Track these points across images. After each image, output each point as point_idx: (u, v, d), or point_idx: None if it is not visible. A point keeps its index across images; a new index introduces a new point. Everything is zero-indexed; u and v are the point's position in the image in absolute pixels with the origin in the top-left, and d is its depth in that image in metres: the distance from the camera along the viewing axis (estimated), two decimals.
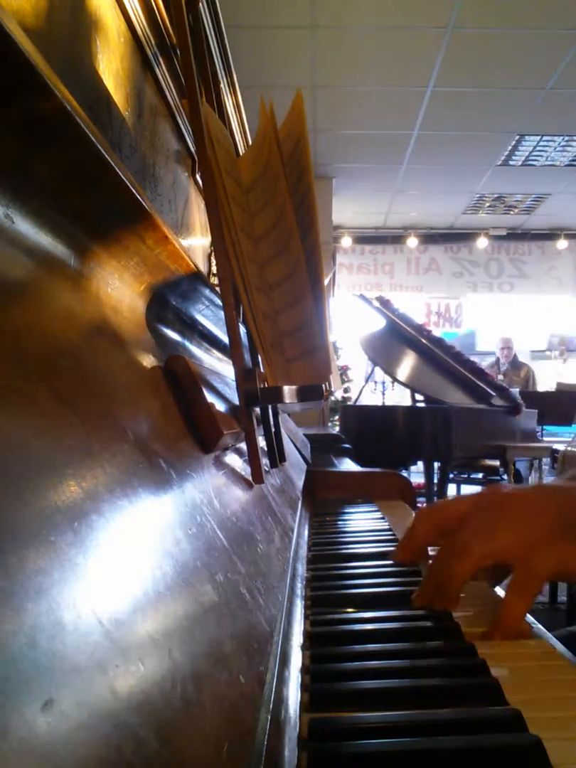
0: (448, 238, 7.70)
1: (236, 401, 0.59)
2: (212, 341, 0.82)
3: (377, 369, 4.20)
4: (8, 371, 0.25)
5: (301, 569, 0.71)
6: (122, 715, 0.19)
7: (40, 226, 0.35)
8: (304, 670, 0.45)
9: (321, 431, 3.03)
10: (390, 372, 3.98)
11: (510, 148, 5.38)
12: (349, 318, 6.53)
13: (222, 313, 0.64)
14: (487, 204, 6.82)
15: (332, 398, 5.76)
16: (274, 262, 0.69)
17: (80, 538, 0.22)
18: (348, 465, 1.63)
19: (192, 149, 1.04)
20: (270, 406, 0.74)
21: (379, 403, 4.69)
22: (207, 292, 0.69)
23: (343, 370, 6.41)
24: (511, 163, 5.70)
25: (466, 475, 5.08)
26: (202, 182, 0.63)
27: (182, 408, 0.47)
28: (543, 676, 0.46)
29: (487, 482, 4.63)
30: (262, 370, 0.66)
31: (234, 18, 3.43)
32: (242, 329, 0.68)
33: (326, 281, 2.46)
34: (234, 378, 0.58)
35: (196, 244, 1.15)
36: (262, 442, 0.69)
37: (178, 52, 0.70)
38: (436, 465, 4.04)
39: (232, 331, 0.58)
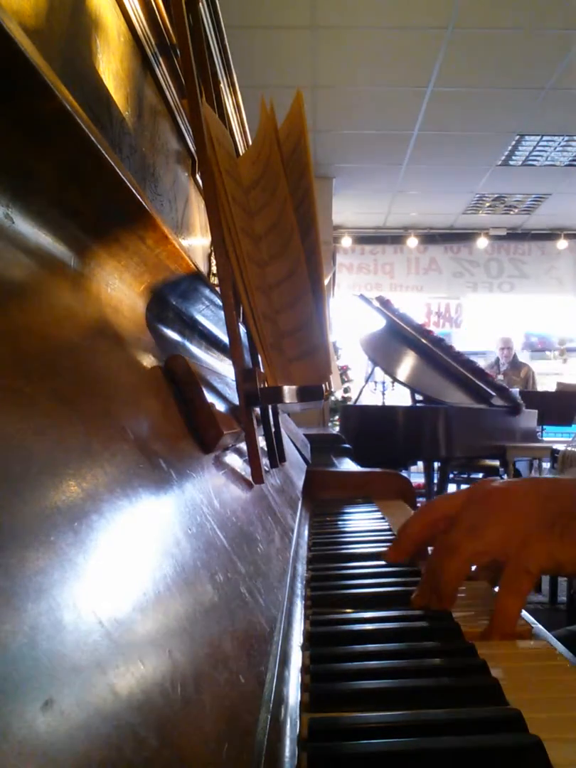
0: (448, 238, 7.70)
1: (236, 401, 0.59)
2: (212, 341, 0.82)
3: (377, 369, 4.21)
4: (8, 371, 0.25)
5: (301, 569, 0.71)
6: (122, 715, 0.19)
7: (40, 226, 0.35)
8: (304, 670, 0.45)
9: (321, 431, 3.03)
10: (390, 372, 3.99)
11: (510, 148, 5.38)
12: (349, 318, 6.53)
13: (222, 313, 0.64)
14: (487, 204, 6.82)
15: (332, 398, 5.77)
16: (274, 262, 0.69)
17: (80, 538, 0.22)
18: (348, 465, 1.63)
19: (192, 149, 1.04)
20: (270, 406, 0.74)
21: (379, 403, 4.70)
22: (207, 292, 0.69)
23: (343, 370, 6.41)
24: (511, 163, 5.70)
25: (466, 475, 5.08)
26: (202, 182, 0.63)
27: (182, 408, 0.47)
28: (543, 676, 0.46)
29: None
30: (262, 370, 0.66)
31: (234, 18, 3.43)
32: (242, 329, 0.68)
33: (326, 281, 2.46)
34: (234, 378, 0.58)
35: (196, 244, 1.15)
36: (262, 442, 0.69)
37: (178, 52, 0.70)
38: (436, 465, 4.05)
39: (232, 331, 0.58)
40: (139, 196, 0.42)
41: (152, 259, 0.49)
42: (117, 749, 0.18)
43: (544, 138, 5.21)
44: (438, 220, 7.39)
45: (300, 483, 1.03)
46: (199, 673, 0.25)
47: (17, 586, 0.18)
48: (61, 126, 0.33)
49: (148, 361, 0.45)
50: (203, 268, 1.20)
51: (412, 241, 7.55)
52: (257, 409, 0.71)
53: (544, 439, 5.25)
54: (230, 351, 0.58)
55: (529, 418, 4.39)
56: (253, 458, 0.57)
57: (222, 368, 0.83)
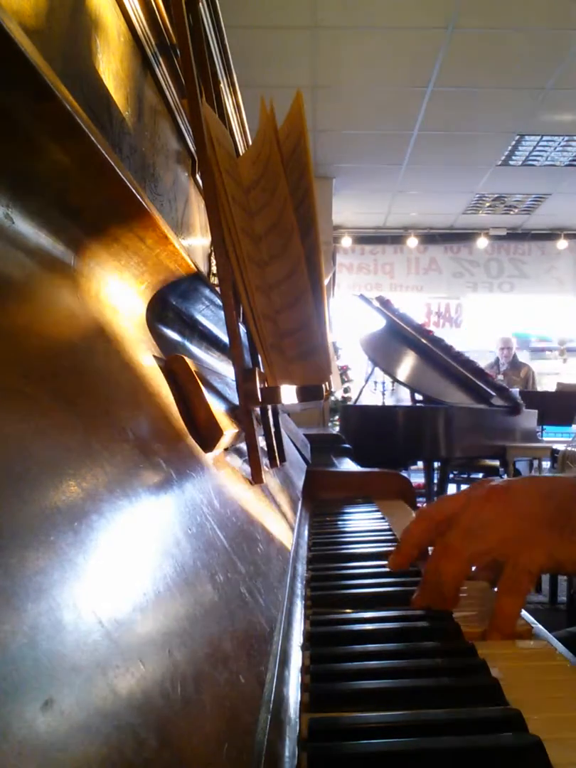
0: (448, 238, 7.69)
1: (236, 401, 0.59)
2: (212, 341, 0.82)
3: (377, 369, 4.20)
4: (8, 371, 0.25)
5: (301, 569, 0.71)
6: (122, 715, 0.19)
7: (40, 226, 0.35)
8: (304, 670, 0.45)
9: (321, 431, 3.03)
10: (390, 372, 3.99)
11: (510, 148, 5.38)
12: (349, 318, 6.53)
13: (222, 313, 0.64)
14: (487, 204, 6.82)
15: (332, 398, 5.76)
16: (274, 262, 0.69)
17: (80, 538, 0.22)
18: (348, 465, 1.63)
19: (192, 149, 1.04)
20: (270, 406, 0.74)
21: (379, 403, 4.70)
22: (207, 292, 0.69)
23: (343, 370, 6.40)
24: (511, 163, 5.70)
25: (466, 475, 5.08)
26: (202, 182, 0.63)
27: (182, 408, 0.47)
28: (543, 676, 0.46)
29: None
30: (262, 370, 0.66)
31: (234, 18, 3.43)
32: (242, 329, 0.68)
33: (326, 281, 2.46)
34: (234, 378, 0.58)
35: (196, 244, 1.15)
36: (262, 442, 0.69)
37: (178, 52, 0.70)
38: (436, 465, 4.04)
39: (232, 331, 0.58)
40: (139, 196, 0.42)
41: (152, 259, 0.49)
42: (117, 749, 0.18)
43: (544, 138, 5.21)
44: (438, 220, 7.39)
45: (300, 483, 1.03)
46: (199, 673, 0.25)
47: (17, 586, 0.18)
48: (60, 126, 0.33)
49: (148, 361, 0.45)
50: (203, 268, 1.20)
51: (412, 241, 7.55)
52: (257, 409, 0.71)
53: (544, 439, 5.25)
54: (230, 351, 0.58)
55: (529, 418, 4.40)
56: (253, 458, 0.57)
57: (222, 368, 0.83)
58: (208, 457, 0.47)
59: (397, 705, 0.40)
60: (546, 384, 6.80)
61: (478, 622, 0.55)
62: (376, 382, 4.72)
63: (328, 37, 3.85)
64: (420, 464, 4.58)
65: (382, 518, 1.02)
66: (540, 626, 0.56)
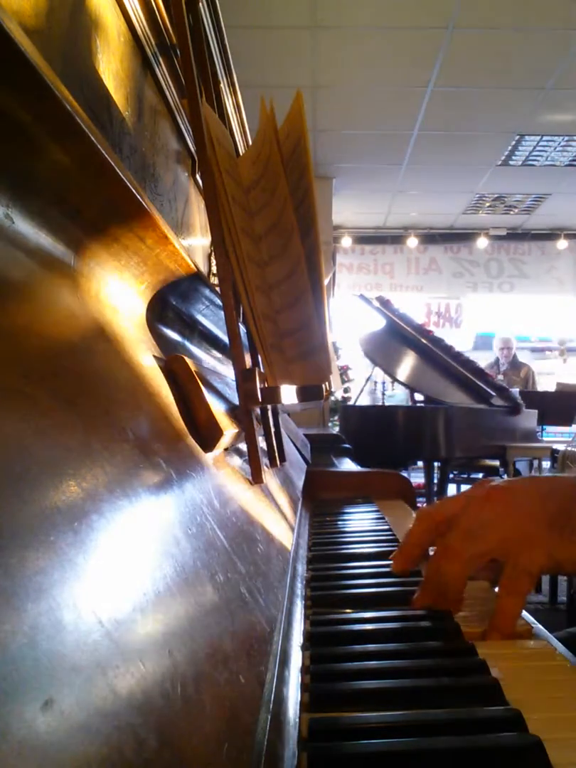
0: (448, 238, 7.69)
1: (236, 401, 0.59)
2: (212, 341, 0.82)
3: (377, 369, 4.20)
4: (8, 371, 0.25)
5: (301, 569, 0.71)
6: (122, 715, 0.19)
7: (40, 226, 0.35)
8: (304, 670, 0.45)
9: (321, 431, 3.04)
10: (390, 372, 3.98)
11: (510, 148, 5.38)
12: (349, 318, 6.53)
13: (222, 313, 0.64)
14: (487, 204, 6.82)
15: (332, 398, 5.76)
16: (274, 262, 0.69)
17: (80, 538, 0.22)
18: (348, 465, 1.63)
19: (192, 149, 1.04)
20: (270, 406, 0.74)
21: (379, 403, 4.69)
22: (207, 292, 0.69)
23: (343, 370, 6.40)
24: (511, 163, 5.70)
25: (466, 475, 5.08)
26: (202, 182, 0.63)
27: (182, 408, 0.47)
28: (543, 676, 0.46)
29: None
30: (262, 370, 0.66)
31: (234, 18, 3.43)
32: (242, 329, 0.68)
33: (326, 281, 2.46)
34: (234, 378, 0.58)
35: (196, 244, 1.15)
36: (262, 442, 0.69)
37: (178, 52, 0.70)
38: (436, 465, 4.04)
39: (232, 331, 0.58)
40: (139, 196, 0.42)
41: (152, 259, 0.49)
42: (117, 749, 0.18)
43: (544, 138, 5.21)
44: (438, 220, 7.39)
45: (300, 483, 1.03)
46: (199, 673, 0.25)
47: (17, 586, 0.18)
48: (60, 126, 0.33)
49: (148, 361, 0.45)
50: (203, 268, 1.20)
51: (412, 241, 7.54)
52: (257, 409, 0.71)
53: (544, 439, 5.25)
54: (230, 351, 0.58)
55: (528, 418, 4.40)
56: (252, 458, 0.57)
57: (222, 368, 0.83)
58: (208, 457, 0.47)
59: (397, 705, 0.40)
60: (546, 384, 6.80)
61: (478, 622, 0.55)
62: (376, 382, 4.72)
63: (328, 37, 3.85)
64: (420, 464, 4.58)
65: (382, 518, 1.02)
66: (540, 626, 0.56)
